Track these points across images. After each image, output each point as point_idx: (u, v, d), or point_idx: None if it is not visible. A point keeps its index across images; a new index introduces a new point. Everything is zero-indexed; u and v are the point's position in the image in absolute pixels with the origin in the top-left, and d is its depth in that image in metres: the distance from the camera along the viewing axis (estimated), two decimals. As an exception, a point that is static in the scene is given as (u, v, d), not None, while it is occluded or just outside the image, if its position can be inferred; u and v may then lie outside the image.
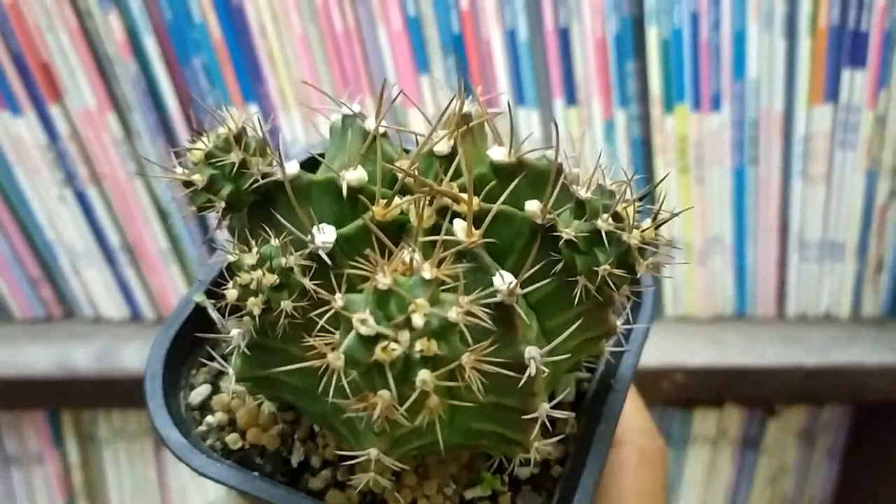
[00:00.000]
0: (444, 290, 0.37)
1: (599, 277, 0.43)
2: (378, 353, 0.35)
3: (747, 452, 1.23)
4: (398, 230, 0.45)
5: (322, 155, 0.50)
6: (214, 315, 0.54)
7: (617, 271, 0.43)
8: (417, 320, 0.35)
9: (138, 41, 0.97)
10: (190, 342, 0.56)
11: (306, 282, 0.42)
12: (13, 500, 1.22)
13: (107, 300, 1.11)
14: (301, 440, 0.54)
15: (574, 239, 0.43)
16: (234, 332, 0.46)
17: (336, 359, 0.36)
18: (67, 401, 1.12)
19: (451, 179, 0.46)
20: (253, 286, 0.42)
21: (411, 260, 0.38)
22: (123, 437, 1.19)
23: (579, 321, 0.45)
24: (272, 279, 0.42)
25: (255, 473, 0.52)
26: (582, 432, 0.53)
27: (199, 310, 0.56)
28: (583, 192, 0.44)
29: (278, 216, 0.45)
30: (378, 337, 0.35)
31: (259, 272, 0.42)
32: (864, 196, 1.04)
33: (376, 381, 0.36)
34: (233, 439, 0.54)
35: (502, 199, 0.44)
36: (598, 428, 0.52)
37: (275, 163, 0.45)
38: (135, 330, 1.11)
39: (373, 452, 0.43)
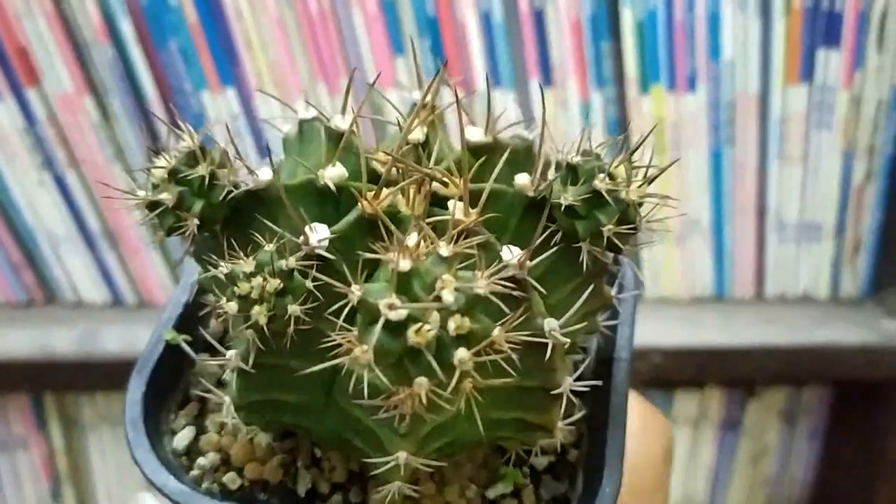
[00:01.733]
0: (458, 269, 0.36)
1: (605, 239, 0.42)
2: (412, 337, 0.33)
3: (728, 434, 1.24)
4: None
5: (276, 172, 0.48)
6: (189, 351, 0.52)
7: (620, 229, 0.42)
8: (448, 297, 0.33)
9: (114, 25, 0.97)
10: (163, 386, 0.53)
11: (309, 283, 0.40)
12: (-1, 484, 1.23)
13: (88, 285, 1.11)
14: (305, 467, 0.51)
15: (573, 204, 0.42)
16: (231, 353, 0.43)
17: (363, 352, 0.33)
18: (50, 385, 1.13)
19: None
20: (255, 294, 0.39)
21: (418, 243, 0.36)
22: (107, 422, 1.20)
23: (583, 293, 0.44)
24: (276, 284, 0.39)
25: None
26: (591, 410, 0.51)
27: (168, 351, 0.53)
28: (573, 157, 0.44)
29: (259, 224, 0.43)
30: (407, 322, 0.33)
31: (259, 279, 0.39)
32: (840, 177, 1.04)
33: (410, 370, 0.34)
34: (230, 479, 0.50)
35: (494, 174, 0.43)
36: (612, 400, 0.50)
37: (243, 172, 0.43)
38: (116, 314, 1.11)
39: (401, 456, 0.40)
